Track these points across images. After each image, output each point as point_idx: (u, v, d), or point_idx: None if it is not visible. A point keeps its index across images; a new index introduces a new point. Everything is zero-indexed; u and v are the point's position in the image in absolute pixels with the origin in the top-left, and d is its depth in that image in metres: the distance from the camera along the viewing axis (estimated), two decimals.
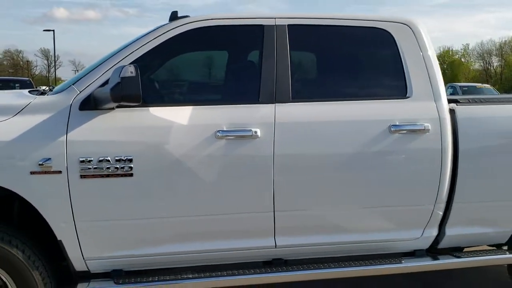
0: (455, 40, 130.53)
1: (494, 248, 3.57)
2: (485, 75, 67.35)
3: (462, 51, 74.14)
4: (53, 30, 46.16)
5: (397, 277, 4.22)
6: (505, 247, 3.55)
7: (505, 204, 3.39)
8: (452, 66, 72.32)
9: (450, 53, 74.17)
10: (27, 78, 23.94)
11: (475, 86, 22.85)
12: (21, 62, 70.47)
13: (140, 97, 2.70)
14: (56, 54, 62.04)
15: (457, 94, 20.01)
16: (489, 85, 25.03)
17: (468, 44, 74.75)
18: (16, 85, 15.83)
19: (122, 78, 2.63)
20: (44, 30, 47.18)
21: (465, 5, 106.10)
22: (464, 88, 21.30)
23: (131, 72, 2.63)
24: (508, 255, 3.45)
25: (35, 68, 72.48)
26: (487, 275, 4.30)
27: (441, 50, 75.58)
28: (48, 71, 67.21)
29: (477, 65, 72.00)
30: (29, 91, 3.46)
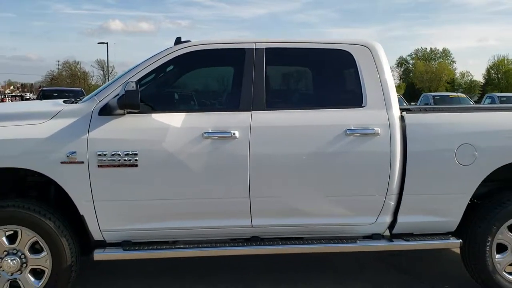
0: None
1: (445, 234, 4.16)
2: None
3: None
4: (107, 43, 48.44)
5: (372, 261, 4.90)
6: None
7: (450, 197, 4.00)
8: (507, 76, 70.39)
9: (506, 62, 72.22)
10: (80, 88, 25.75)
11: None
12: (79, 73, 74.21)
13: (139, 105, 3.55)
14: (112, 65, 65.01)
15: (495, 103, 20.00)
16: None
17: None
18: (70, 94, 17.30)
19: (126, 91, 3.50)
20: (98, 43, 49.45)
21: None
22: (502, 99, 21.30)
23: (133, 87, 3.49)
24: (450, 241, 4.06)
25: (91, 78, 76.13)
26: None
27: (496, 59, 73.70)
28: (104, 81, 70.34)
29: None
30: (63, 101, 4.38)
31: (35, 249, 3.76)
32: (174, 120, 3.80)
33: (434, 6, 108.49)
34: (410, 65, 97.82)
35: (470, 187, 3.98)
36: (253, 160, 3.77)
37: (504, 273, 4.08)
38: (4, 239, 3.71)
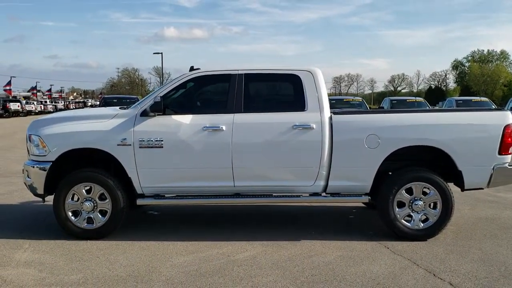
0: None
1: (361, 194, 6.27)
2: None
3: None
4: (161, 53, 51.30)
5: (330, 218, 7.02)
6: None
7: (362, 169, 6.09)
8: None
9: None
10: (136, 96, 28.51)
11: None
12: (137, 80, 78.59)
13: (161, 110, 5.92)
14: (168, 71, 68.64)
15: None
16: None
17: None
18: (127, 101, 20.11)
19: (154, 102, 5.89)
20: (154, 53, 52.30)
21: None
22: None
23: (158, 99, 5.89)
24: (361, 198, 6.20)
25: (149, 84, 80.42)
26: None
27: None
28: None
29: None
30: (119, 107, 6.82)
31: (102, 198, 6.19)
32: (185, 119, 6.12)
33: (495, 6, 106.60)
34: (466, 68, 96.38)
35: (376, 162, 6.07)
36: (234, 144, 6.03)
37: (402, 220, 6.14)
38: (84, 191, 6.16)
